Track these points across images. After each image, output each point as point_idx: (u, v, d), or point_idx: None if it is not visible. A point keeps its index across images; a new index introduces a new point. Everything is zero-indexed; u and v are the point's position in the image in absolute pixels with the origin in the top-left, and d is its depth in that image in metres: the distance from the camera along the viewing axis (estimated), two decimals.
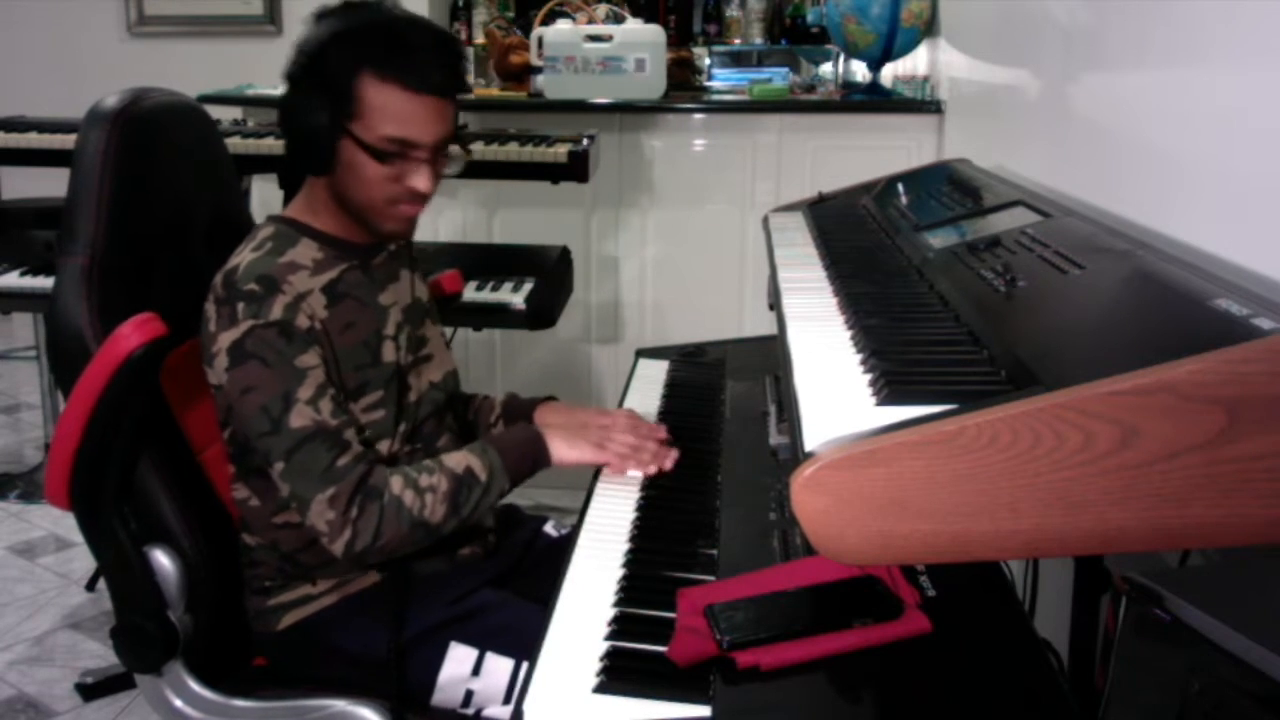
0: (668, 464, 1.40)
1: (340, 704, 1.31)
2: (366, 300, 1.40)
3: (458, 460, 1.35)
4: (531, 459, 1.40)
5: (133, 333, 1.25)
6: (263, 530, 1.40)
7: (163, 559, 1.33)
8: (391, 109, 1.31)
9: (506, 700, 1.32)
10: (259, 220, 1.45)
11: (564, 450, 1.40)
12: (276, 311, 1.28)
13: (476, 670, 1.34)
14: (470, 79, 3.21)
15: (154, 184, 1.43)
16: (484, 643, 1.35)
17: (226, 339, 1.29)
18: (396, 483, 1.30)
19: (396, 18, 1.35)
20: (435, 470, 1.33)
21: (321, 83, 1.31)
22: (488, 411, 1.65)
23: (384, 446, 1.39)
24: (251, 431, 1.30)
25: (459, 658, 1.35)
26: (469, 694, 1.34)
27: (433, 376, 1.51)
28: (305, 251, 1.36)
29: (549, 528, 1.62)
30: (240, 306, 1.28)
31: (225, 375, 1.30)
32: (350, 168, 1.33)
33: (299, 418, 1.27)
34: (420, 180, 1.35)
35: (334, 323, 1.34)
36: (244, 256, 1.34)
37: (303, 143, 1.33)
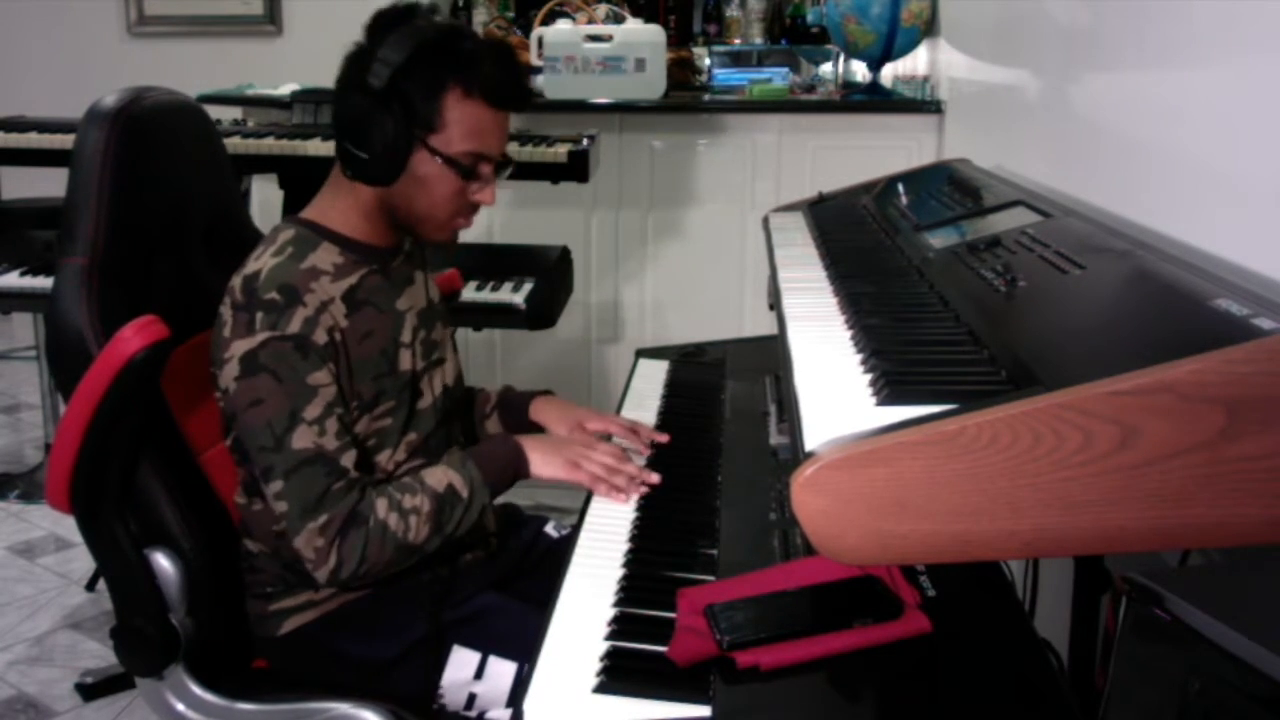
0: (640, 488, 1.38)
1: (343, 707, 1.31)
2: (384, 306, 1.40)
3: (439, 478, 1.34)
4: (512, 472, 1.40)
5: (134, 335, 1.25)
6: (264, 537, 1.40)
7: (163, 561, 1.33)
8: (473, 124, 1.32)
9: (509, 703, 1.32)
10: (258, 221, 1.45)
11: (540, 465, 1.41)
12: (295, 325, 1.28)
13: (479, 674, 1.34)
14: None
15: (153, 184, 1.43)
16: (487, 646, 1.35)
17: (240, 347, 1.28)
18: (381, 506, 1.29)
19: (464, 29, 1.38)
20: (418, 490, 1.32)
21: (402, 96, 1.29)
22: (482, 403, 1.65)
23: (385, 456, 1.39)
24: (253, 444, 1.29)
25: (462, 661, 1.35)
26: (472, 697, 1.34)
27: (446, 380, 1.51)
28: (326, 256, 1.35)
29: (549, 528, 1.62)
30: (259, 316, 1.27)
31: (234, 384, 1.29)
32: (421, 180, 1.33)
33: (301, 439, 1.27)
34: (487, 195, 1.38)
35: (353, 332, 1.34)
36: (265, 261, 1.32)
37: (376, 154, 1.30)
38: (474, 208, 1.40)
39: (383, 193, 1.36)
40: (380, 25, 1.33)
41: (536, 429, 1.60)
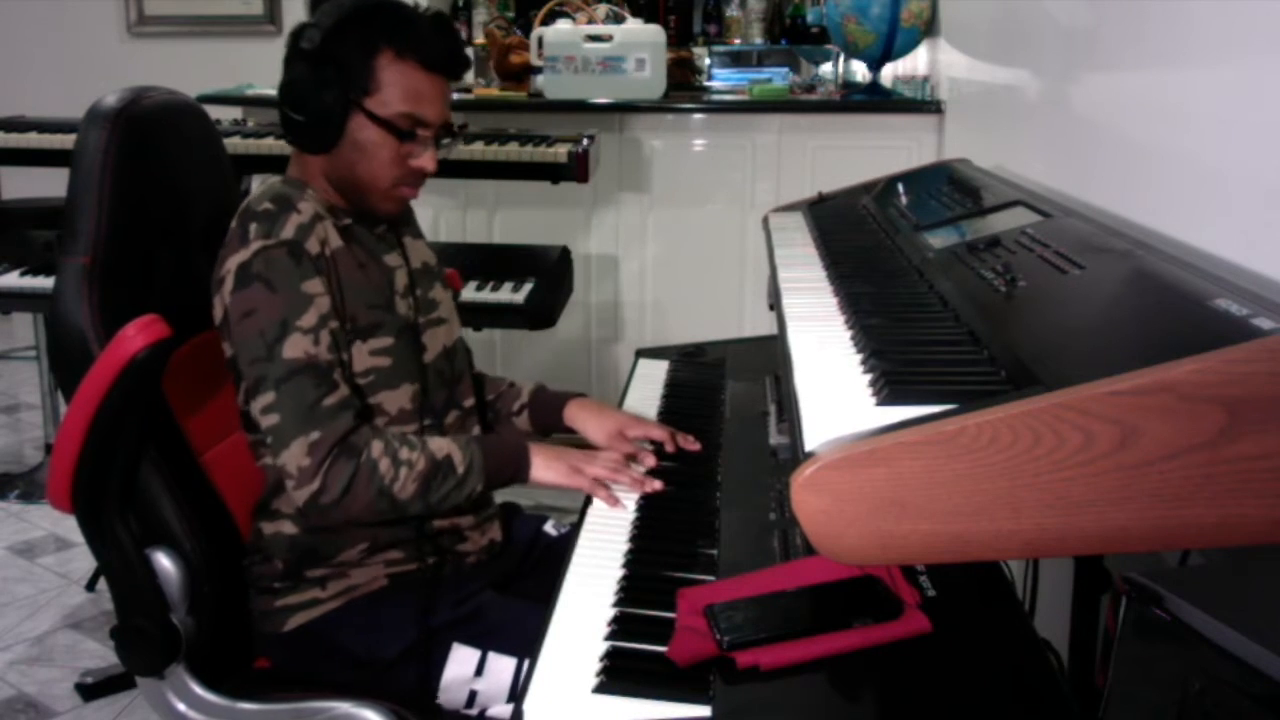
0: (645, 488, 1.36)
1: (344, 706, 1.31)
2: (374, 254, 1.42)
3: (440, 446, 1.34)
4: (512, 469, 1.39)
5: (137, 334, 1.25)
6: (286, 501, 1.37)
7: (164, 561, 1.33)
8: (407, 86, 1.34)
9: (510, 699, 1.32)
10: None
11: (541, 470, 1.39)
12: (289, 230, 1.29)
13: (479, 670, 1.34)
14: (470, 79, 3.21)
15: (154, 183, 1.43)
16: (486, 643, 1.35)
17: (234, 261, 1.30)
18: (377, 447, 1.29)
19: (404, 2, 1.38)
20: (417, 448, 1.32)
21: (335, 59, 1.32)
22: (512, 399, 1.63)
23: (387, 398, 1.39)
24: (245, 357, 1.29)
25: (462, 659, 1.35)
26: (472, 694, 1.34)
27: (446, 340, 1.51)
28: (311, 201, 1.37)
29: (549, 527, 1.61)
30: (253, 227, 1.30)
31: (230, 298, 1.30)
32: (359, 145, 1.35)
33: (293, 348, 1.27)
34: (427, 160, 1.38)
35: (345, 258, 1.35)
36: (257, 190, 1.35)
37: (312, 118, 1.33)
38: (418, 175, 1.40)
39: (328, 164, 1.38)
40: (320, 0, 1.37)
41: (570, 433, 1.57)
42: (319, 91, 1.32)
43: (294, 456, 1.26)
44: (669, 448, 1.48)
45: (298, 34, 1.36)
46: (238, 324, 1.29)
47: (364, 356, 1.37)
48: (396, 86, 1.33)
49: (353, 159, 1.36)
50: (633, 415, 1.55)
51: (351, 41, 1.33)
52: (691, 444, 1.49)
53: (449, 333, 1.53)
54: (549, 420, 1.60)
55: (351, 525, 1.35)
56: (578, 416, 1.57)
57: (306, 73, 1.33)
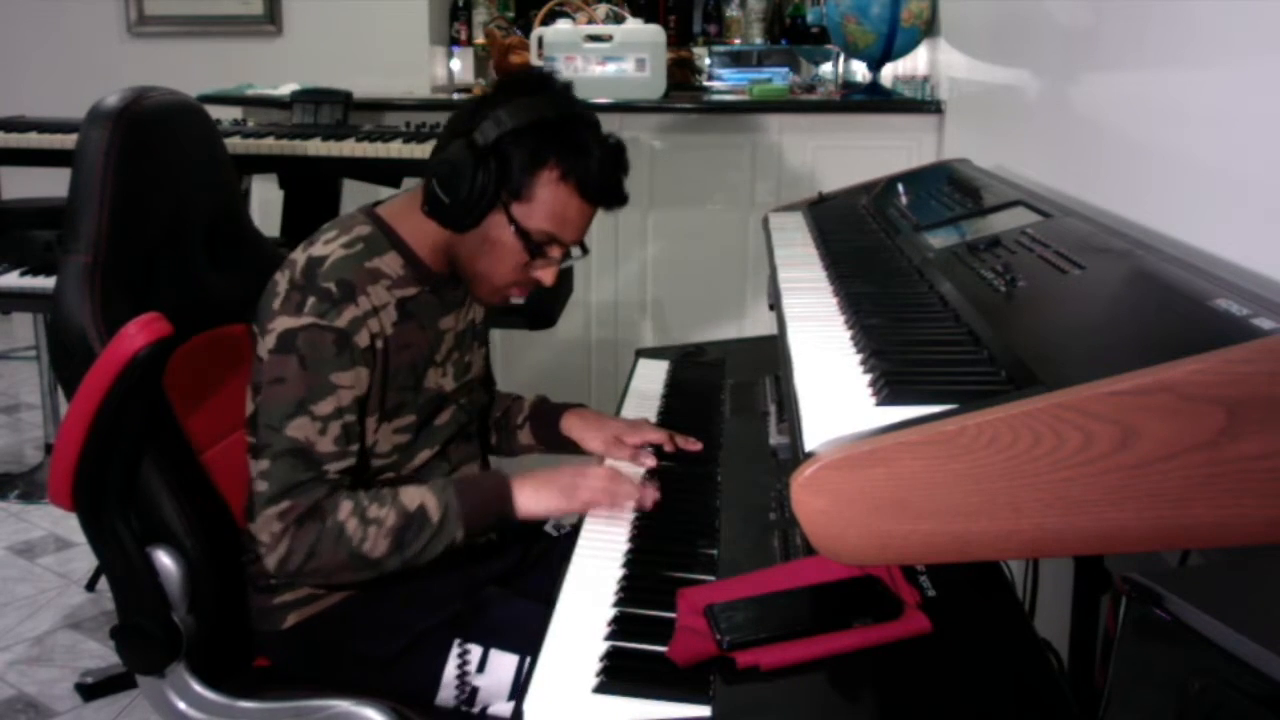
0: (647, 503, 1.35)
1: (344, 704, 1.31)
2: (428, 323, 1.41)
3: (412, 497, 1.33)
4: (496, 509, 1.36)
5: (138, 332, 1.25)
6: None
7: (165, 559, 1.33)
8: (558, 207, 1.33)
9: (511, 697, 1.32)
10: (258, 220, 1.45)
11: (530, 503, 1.36)
12: (343, 320, 1.29)
13: (481, 667, 1.34)
14: (470, 79, 3.21)
15: (155, 183, 1.43)
16: (487, 640, 1.35)
17: (283, 324, 1.30)
18: (345, 508, 1.29)
19: (588, 118, 1.37)
20: (387, 502, 1.31)
21: (502, 155, 1.31)
22: (516, 413, 1.65)
23: (409, 465, 1.40)
24: (262, 419, 1.31)
25: (463, 656, 1.35)
26: (474, 691, 1.34)
27: (470, 399, 1.52)
28: (392, 262, 1.37)
29: (547, 526, 1.62)
30: (311, 301, 1.29)
31: (268, 356, 1.31)
32: (490, 241, 1.35)
33: (299, 429, 1.28)
34: (548, 275, 1.39)
35: (395, 341, 1.35)
36: (333, 250, 1.33)
37: (456, 198, 1.31)
38: (532, 283, 1.40)
39: (452, 236, 1.37)
40: (511, 85, 1.36)
41: (569, 443, 1.58)
42: (472, 182, 1.30)
43: (263, 525, 1.28)
44: (668, 448, 1.48)
45: (473, 116, 1.33)
46: (267, 386, 1.30)
47: (388, 435, 1.38)
48: (548, 204, 1.33)
49: (478, 250, 1.36)
50: (630, 422, 1.55)
51: (523, 147, 1.31)
52: (692, 445, 1.50)
53: (479, 395, 1.54)
54: (549, 432, 1.61)
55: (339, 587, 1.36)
56: (575, 427, 1.58)
57: (469, 158, 1.30)
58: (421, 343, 1.40)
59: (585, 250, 1.43)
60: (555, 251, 1.37)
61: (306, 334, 1.29)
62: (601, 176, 1.35)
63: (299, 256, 1.34)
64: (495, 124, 1.31)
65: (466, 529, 1.33)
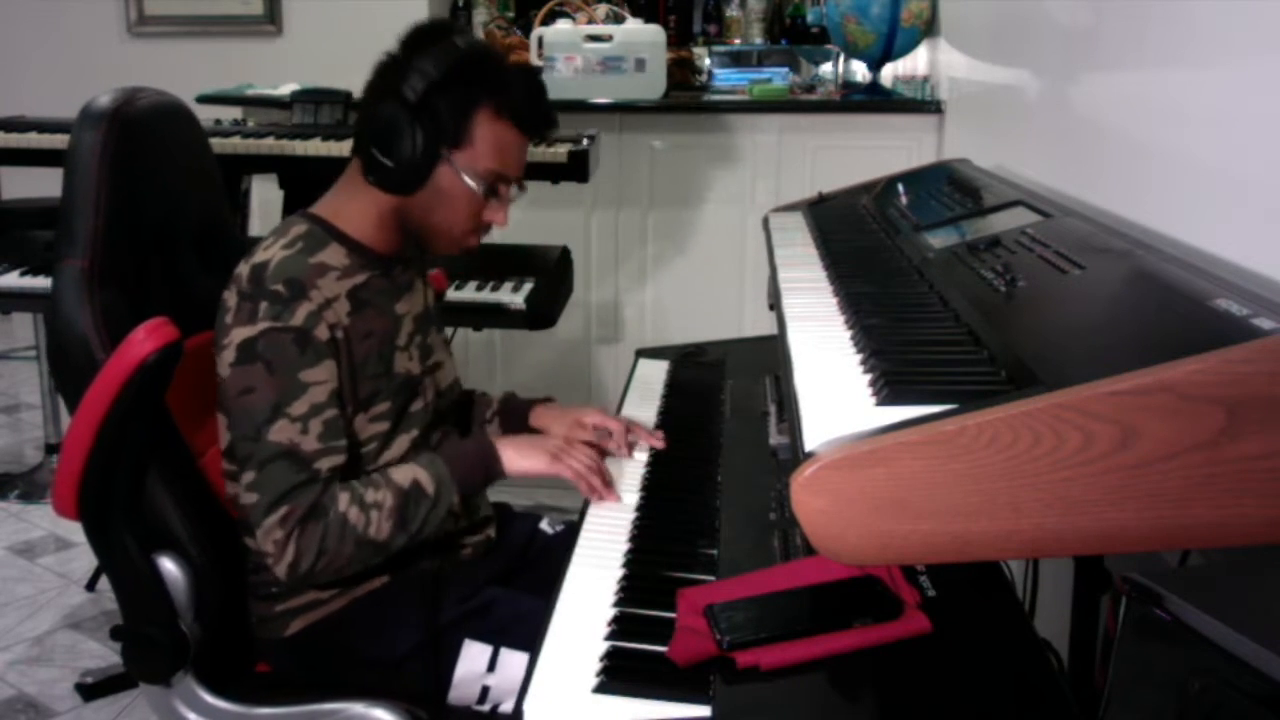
0: (609, 499, 1.37)
1: (356, 707, 1.30)
2: (384, 309, 1.41)
3: (404, 474, 1.34)
4: (483, 470, 1.39)
5: (146, 338, 1.24)
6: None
7: (170, 567, 1.32)
8: (499, 144, 1.35)
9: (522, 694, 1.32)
10: (258, 220, 1.45)
11: (516, 461, 1.40)
12: (298, 318, 1.28)
13: (491, 666, 1.34)
14: None
15: (148, 185, 1.42)
16: (498, 638, 1.35)
17: (240, 334, 1.29)
18: (343, 499, 1.29)
19: (503, 56, 1.39)
20: (382, 485, 1.32)
21: (434, 110, 1.31)
22: (484, 407, 1.65)
23: (390, 454, 1.39)
24: (236, 432, 1.30)
25: (473, 655, 1.35)
26: (485, 690, 1.34)
27: (440, 385, 1.51)
28: (334, 255, 1.36)
29: (544, 524, 1.62)
30: (263, 306, 1.28)
31: (230, 370, 1.29)
32: (441, 194, 1.35)
33: (279, 432, 1.27)
34: (500, 215, 1.40)
35: (355, 330, 1.34)
36: (274, 252, 1.32)
37: (398, 162, 1.32)
38: (486, 226, 1.42)
39: (400, 202, 1.37)
40: (416, 39, 1.35)
41: (539, 435, 1.58)
42: (414, 139, 1.31)
43: (266, 535, 1.27)
44: (623, 439, 1.49)
45: (393, 75, 1.33)
46: (234, 398, 1.30)
47: (365, 425, 1.37)
48: (489, 144, 1.34)
49: (430, 205, 1.36)
50: (592, 407, 1.57)
51: (452, 95, 1.32)
52: (655, 440, 1.51)
53: (444, 374, 1.53)
54: (517, 426, 1.62)
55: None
56: (543, 417, 1.60)
57: (403, 119, 1.31)
58: (382, 329, 1.39)
59: (523, 187, 1.44)
60: (505, 189, 1.39)
61: (265, 339, 1.28)
62: (531, 105, 1.37)
63: (242, 269, 1.33)
64: (422, 76, 1.31)
65: (461, 494, 1.36)
